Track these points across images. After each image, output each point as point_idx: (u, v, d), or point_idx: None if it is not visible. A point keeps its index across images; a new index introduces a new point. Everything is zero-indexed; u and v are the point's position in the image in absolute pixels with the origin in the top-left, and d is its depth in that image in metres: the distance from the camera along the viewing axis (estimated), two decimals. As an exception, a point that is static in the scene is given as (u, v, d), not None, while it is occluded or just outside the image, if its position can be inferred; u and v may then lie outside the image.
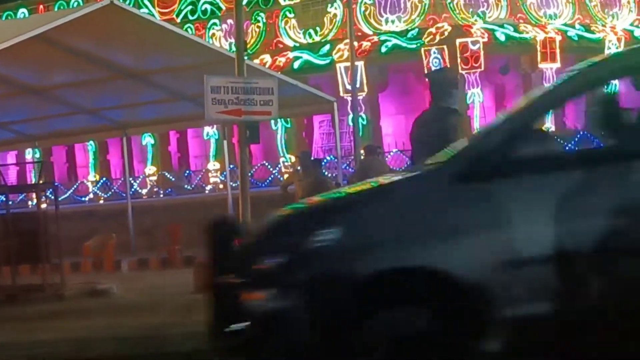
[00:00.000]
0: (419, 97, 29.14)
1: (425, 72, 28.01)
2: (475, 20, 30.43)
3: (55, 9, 33.68)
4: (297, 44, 32.60)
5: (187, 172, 33.97)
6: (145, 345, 9.65)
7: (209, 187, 31.05)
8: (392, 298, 5.31)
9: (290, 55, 32.11)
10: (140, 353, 9.45)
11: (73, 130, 23.58)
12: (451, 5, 30.31)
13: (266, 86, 14.70)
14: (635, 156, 5.60)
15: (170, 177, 33.42)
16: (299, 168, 18.69)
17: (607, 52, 31.25)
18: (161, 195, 31.87)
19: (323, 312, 5.24)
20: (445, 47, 29.52)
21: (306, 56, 32.01)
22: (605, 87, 7.38)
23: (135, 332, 10.73)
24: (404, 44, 30.66)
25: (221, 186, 27.92)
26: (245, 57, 15.59)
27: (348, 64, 24.89)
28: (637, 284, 5.35)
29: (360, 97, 26.14)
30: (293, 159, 26.83)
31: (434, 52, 29.72)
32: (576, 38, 31.99)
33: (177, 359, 9.12)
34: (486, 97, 30.29)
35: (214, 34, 32.77)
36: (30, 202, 19.44)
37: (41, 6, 36.57)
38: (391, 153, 27.48)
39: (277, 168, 30.07)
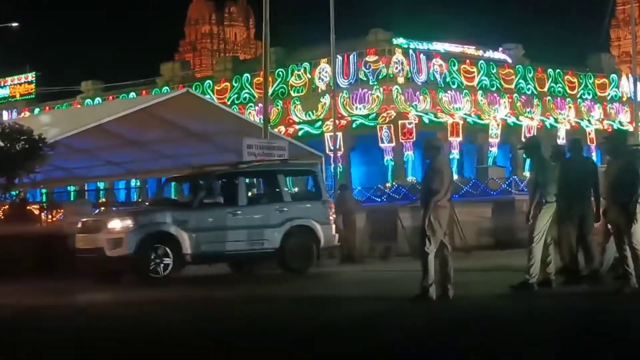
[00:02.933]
0: (375, 156, 34.77)
1: (380, 143, 32.71)
2: (410, 110, 34.71)
3: (153, 93, 36.45)
4: (301, 120, 36.63)
5: None
6: (195, 303, 12.66)
7: None
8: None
9: (297, 127, 36.06)
10: (191, 306, 12.30)
11: (160, 168, 24.56)
12: (396, 99, 34.53)
13: (281, 145, 17.41)
14: None
15: None
16: None
17: (490, 132, 36.49)
18: None
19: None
20: (392, 125, 33.83)
21: (306, 128, 35.91)
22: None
23: (190, 295, 13.24)
24: (366, 123, 34.69)
25: None
26: (269, 127, 18.80)
27: (332, 133, 29.38)
28: None
29: (339, 154, 29.77)
30: (295, 190, 25.90)
31: (385, 128, 33.97)
32: (472, 122, 36.09)
33: (220, 305, 11.60)
34: (416, 156, 33.65)
35: (250, 112, 36.88)
36: None
37: (144, 91, 40.30)
38: (356, 189, 29.18)
39: None
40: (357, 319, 8.08)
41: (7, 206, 18.74)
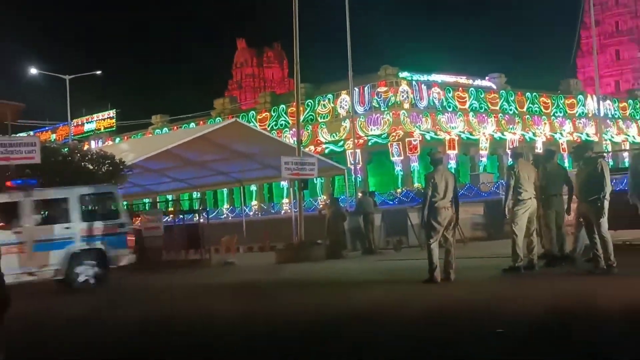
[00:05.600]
0: (388, 168, 34.66)
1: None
2: (415, 129, 34.73)
3: (208, 123, 36.69)
4: (327, 141, 36.77)
5: (272, 204, 35.89)
6: (250, 286, 10.60)
7: (283, 211, 31.99)
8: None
9: (323, 146, 36.26)
10: (245, 290, 10.16)
11: (215, 183, 25.48)
12: (403, 122, 34.53)
13: (311, 161, 17.06)
14: None
15: (264, 206, 35.54)
16: (327, 202, 19.36)
17: (480, 146, 36.00)
18: (259, 215, 32.46)
19: None
20: (400, 142, 33.95)
21: (331, 147, 36.16)
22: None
23: (244, 281, 11.43)
24: (379, 141, 34.77)
25: (289, 211, 26.79)
26: (301, 147, 18.21)
27: (352, 150, 29.61)
28: None
29: (358, 167, 29.61)
30: (325, 197, 28.31)
31: (395, 145, 34.07)
32: (465, 138, 36.06)
33: (259, 291, 9.71)
34: (420, 167, 33.89)
35: (286, 136, 36.58)
36: (195, 218, 19.05)
37: (201, 122, 40.70)
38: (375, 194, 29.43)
39: (317, 202, 31.18)
40: (377, 299, 8.14)
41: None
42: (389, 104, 34.94)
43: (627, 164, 19.38)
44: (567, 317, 5.76)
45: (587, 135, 41.25)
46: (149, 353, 5.68)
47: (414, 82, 35.98)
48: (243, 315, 7.31)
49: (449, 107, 36.57)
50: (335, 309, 7.41)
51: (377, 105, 35.17)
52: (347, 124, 34.90)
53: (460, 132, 35.98)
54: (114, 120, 49.41)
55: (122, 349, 5.92)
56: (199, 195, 27.96)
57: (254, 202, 37.27)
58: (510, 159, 10.28)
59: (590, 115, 42.35)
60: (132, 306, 9.01)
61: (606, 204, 8.44)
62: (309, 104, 37.23)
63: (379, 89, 35.30)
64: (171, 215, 18.81)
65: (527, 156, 10.40)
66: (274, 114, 39.17)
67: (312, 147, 34.51)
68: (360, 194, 18.38)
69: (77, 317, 8.14)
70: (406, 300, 7.83)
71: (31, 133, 37.52)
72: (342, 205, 20.45)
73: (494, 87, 40.27)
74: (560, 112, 41.88)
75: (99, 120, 50.24)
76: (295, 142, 18.85)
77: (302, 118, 30.78)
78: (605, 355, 4.45)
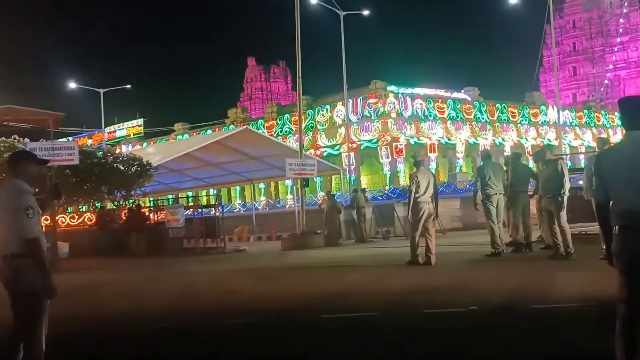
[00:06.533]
0: (377, 169, 34.32)
1: (413, 157, 30.79)
2: (401, 135, 34.19)
3: (223, 130, 35.58)
4: (325, 145, 36.09)
5: (278, 199, 35.73)
6: (259, 270, 10.27)
7: (287, 206, 31.59)
8: None
9: (322, 150, 35.51)
10: (257, 273, 9.83)
11: (229, 181, 25.37)
12: (391, 128, 34.01)
13: (312, 163, 17.07)
14: None
15: (271, 201, 35.24)
16: (325, 197, 19.25)
17: (457, 149, 35.29)
18: (267, 209, 31.92)
19: None
20: (388, 146, 33.45)
21: (329, 150, 35.47)
22: None
23: (256, 266, 11.19)
24: (370, 145, 34.22)
25: (293, 206, 27.05)
26: (303, 151, 18.13)
27: (346, 153, 29.40)
28: None
29: (352, 167, 29.37)
30: (323, 193, 26.43)
31: (384, 149, 33.59)
32: (444, 143, 35.70)
33: (269, 273, 9.54)
34: (405, 167, 33.39)
35: (290, 141, 35.32)
36: (211, 212, 17.56)
37: (217, 129, 39.88)
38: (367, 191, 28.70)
39: (317, 198, 30.32)
40: (367, 277, 8.24)
41: (127, 210, 18.89)
42: (379, 113, 34.74)
43: (583, 165, 19.44)
44: (528, 296, 5.79)
45: (549, 140, 41.03)
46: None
47: (400, 95, 35.85)
48: (258, 293, 7.31)
49: (430, 116, 36.43)
50: (334, 285, 7.49)
51: (369, 115, 34.98)
52: (342, 130, 34.68)
53: (439, 137, 35.94)
54: (141, 128, 49.15)
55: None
56: (215, 192, 28.71)
57: (262, 198, 37.32)
58: (481, 160, 10.30)
59: (551, 123, 42.23)
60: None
61: (565, 199, 8.38)
62: (310, 113, 36.95)
63: (369, 101, 35.10)
64: (191, 209, 18.51)
65: (496, 158, 10.33)
66: (279, 122, 38.95)
67: (312, 151, 34.19)
68: (355, 191, 18.27)
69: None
70: (391, 277, 7.90)
71: (70, 139, 37.31)
72: (338, 201, 20.33)
73: (469, 98, 40.17)
74: (526, 120, 41.80)
75: (129, 127, 50.10)
76: (298, 147, 18.79)
77: (303, 126, 29.99)
78: (551, 323, 4.53)
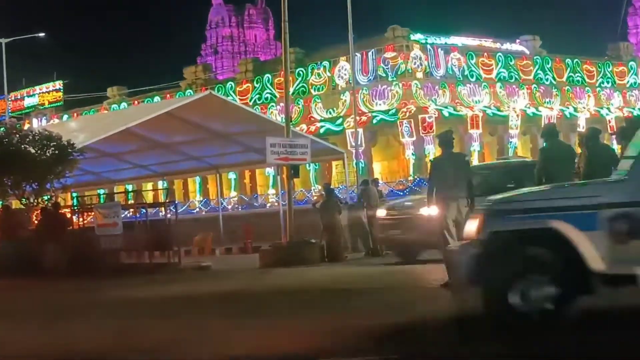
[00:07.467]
0: (396, 151, 34.72)
1: (435, 134, 31.55)
2: (430, 104, 34.44)
3: (177, 97, 36.78)
4: (322, 118, 36.56)
5: (256, 195, 36.62)
6: (225, 296, 10.41)
7: (268, 204, 32.81)
8: None
9: (318, 125, 35.99)
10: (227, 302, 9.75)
11: (186, 170, 25.81)
12: (416, 94, 34.40)
13: (303, 143, 17.20)
14: None
15: (245, 198, 36.14)
16: (322, 193, 19.66)
17: (510, 124, 35.98)
18: (239, 209, 33.27)
19: None
20: (412, 120, 33.45)
21: (327, 125, 35.82)
22: None
23: (222, 290, 11.15)
24: (387, 118, 34.43)
25: (276, 204, 27.85)
26: (291, 126, 18.01)
27: (353, 130, 29.37)
28: None
29: (360, 150, 29.21)
30: (320, 187, 27.68)
31: (405, 123, 33.64)
32: (491, 114, 35.91)
33: (251, 298, 9.91)
34: (432, 152, 32.89)
35: (272, 112, 36.72)
36: (160, 213, 19.04)
37: (168, 95, 40.78)
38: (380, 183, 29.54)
39: (310, 193, 32.15)
40: (389, 315, 8.13)
41: (40, 210, 18.82)
42: (399, 72, 34.88)
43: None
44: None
45: (640, 110, 41.46)
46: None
47: (428, 46, 35.98)
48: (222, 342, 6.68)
49: (472, 76, 36.65)
50: (340, 330, 6.84)
51: (384, 75, 35.12)
52: (346, 97, 34.94)
53: (485, 107, 36.01)
54: (60, 94, 49.40)
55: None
56: (165, 184, 28.97)
57: (233, 193, 37.62)
58: (543, 140, 10.28)
59: (644, 85, 42.60)
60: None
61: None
62: (300, 72, 37.21)
63: (385, 55, 35.26)
64: (132, 210, 18.96)
65: (566, 136, 10.28)
66: (257, 85, 39.27)
67: (304, 126, 34.51)
68: (365, 184, 18.17)
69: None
70: (433, 314, 7.50)
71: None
72: (342, 197, 20.55)
73: (527, 52, 40.31)
74: (608, 82, 41.96)
75: (43, 93, 50.14)
76: (284, 120, 18.89)
77: (291, 90, 30.81)
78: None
